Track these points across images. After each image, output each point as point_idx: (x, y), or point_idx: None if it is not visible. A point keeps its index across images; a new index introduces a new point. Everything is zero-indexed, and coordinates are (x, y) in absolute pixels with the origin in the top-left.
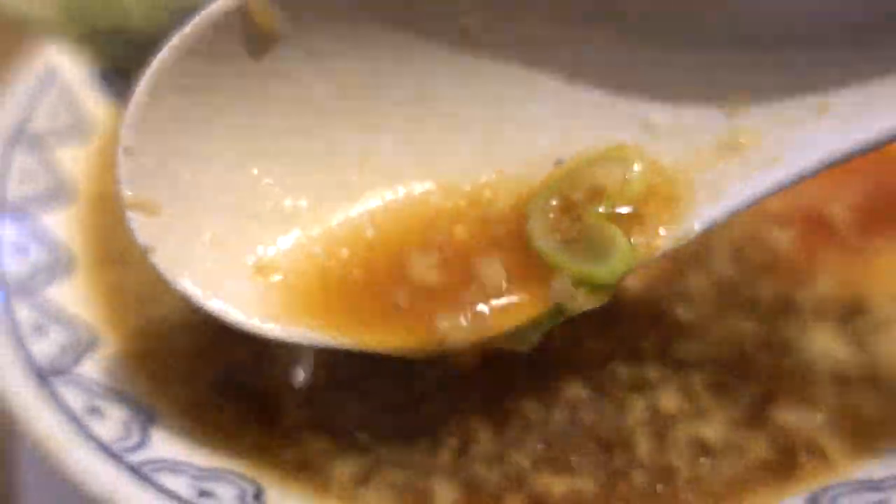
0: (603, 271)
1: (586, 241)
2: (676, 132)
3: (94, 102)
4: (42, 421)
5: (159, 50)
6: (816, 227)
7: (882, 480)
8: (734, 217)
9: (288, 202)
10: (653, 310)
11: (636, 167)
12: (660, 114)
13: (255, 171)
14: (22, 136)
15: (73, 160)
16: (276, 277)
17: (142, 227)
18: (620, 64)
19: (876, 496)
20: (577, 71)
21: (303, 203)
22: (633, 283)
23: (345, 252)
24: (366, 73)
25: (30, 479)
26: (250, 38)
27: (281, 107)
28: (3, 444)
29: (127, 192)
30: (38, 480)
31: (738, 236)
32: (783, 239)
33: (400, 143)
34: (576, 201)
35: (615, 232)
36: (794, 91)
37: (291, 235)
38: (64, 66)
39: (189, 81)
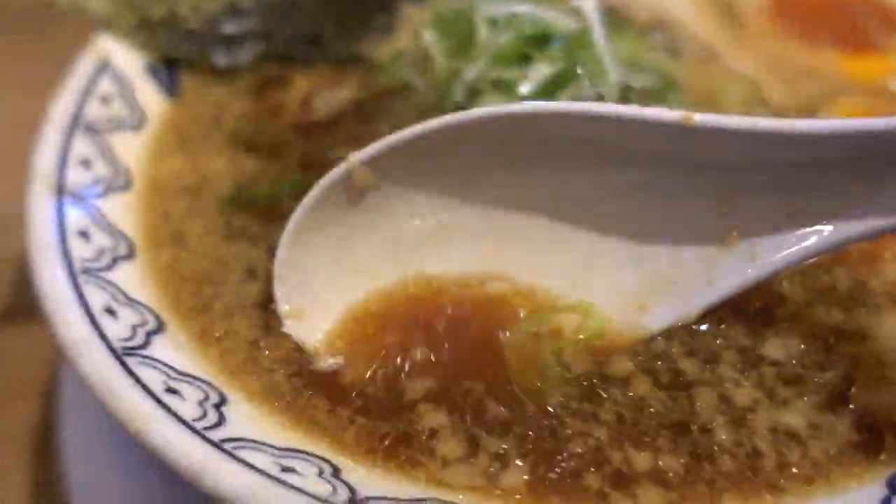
0: None
1: None
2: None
3: (146, 92)
4: (125, 398)
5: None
6: None
7: None
8: None
9: None
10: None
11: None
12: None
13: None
14: (79, 123)
15: (127, 147)
16: None
17: (292, 328)
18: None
19: None
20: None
21: None
22: None
23: None
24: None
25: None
26: (353, 191)
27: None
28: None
29: (284, 306)
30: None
31: None
32: None
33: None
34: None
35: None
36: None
37: None
38: (117, 57)
39: (314, 225)
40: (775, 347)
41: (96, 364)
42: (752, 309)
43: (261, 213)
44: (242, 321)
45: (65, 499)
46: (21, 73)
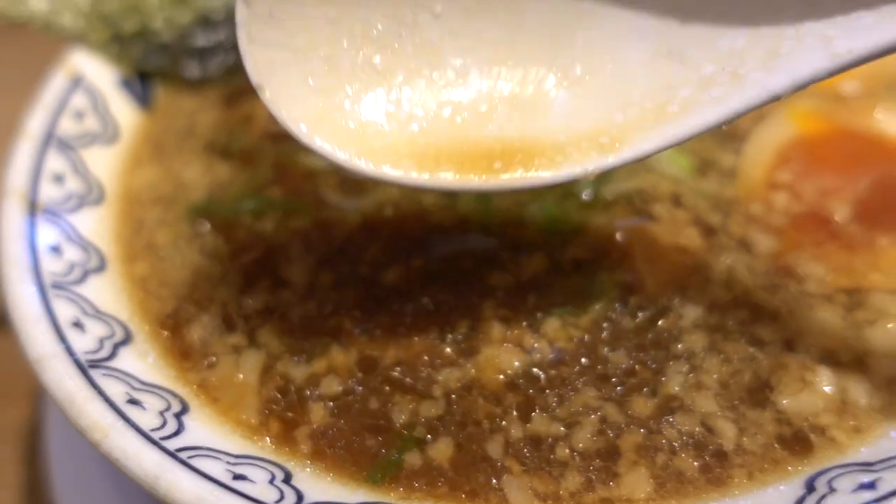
0: None
1: None
2: None
3: (119, 105)
4: (86, 411)
5: (180, 53)
6: (815, 220)
7: (873, 463)
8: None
9: (377, 59)
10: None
11: None
12: None
13: (349, 34)
14: (52, 139)
15: (100, 161)
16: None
17: (254, 66)
18: None
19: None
20: None
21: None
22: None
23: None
24: None
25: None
26: None
27: None
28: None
29: (243, 33)
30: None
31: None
32: (780, 234)
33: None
34: None
35: None
36: None
37: (379, 92)
38: (90, 72)
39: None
40: (711, 358)
41: (60, 378)
42: (683, 311)
43: (230, 223)
44: (210, 331)
45: (52, 498)
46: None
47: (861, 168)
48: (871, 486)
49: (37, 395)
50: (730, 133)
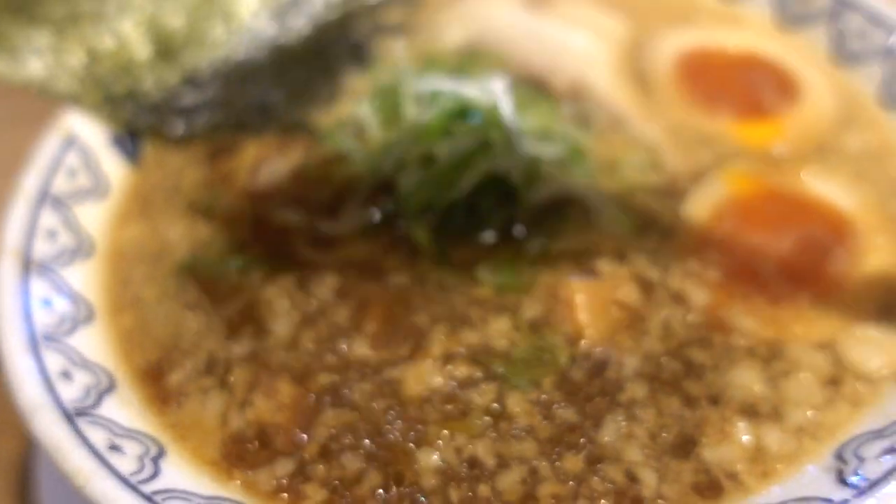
0: None
1: None
2: None
3: (110, 162)
4: (71, 458)
5: (168, 112)
6: (745, 275)
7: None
8: None
9: None
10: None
11: None
12: None
13: None
14: (46, 197)
15: (91, 216)
16: None
17: None
18: None
19: None
20: None
21: None
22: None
23: None
24: None
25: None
26: None
27: None
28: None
29: None
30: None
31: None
32: (714, 289)
33: None
34: None
35: None
36: None
37: None
38: (83, 131)
39: None
40: (644, 408)
41: (47, 428)
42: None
43: (208, 282)
44: (189, 382)
45: None
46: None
47: (787, 227)
48: None
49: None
50: (670, 193)
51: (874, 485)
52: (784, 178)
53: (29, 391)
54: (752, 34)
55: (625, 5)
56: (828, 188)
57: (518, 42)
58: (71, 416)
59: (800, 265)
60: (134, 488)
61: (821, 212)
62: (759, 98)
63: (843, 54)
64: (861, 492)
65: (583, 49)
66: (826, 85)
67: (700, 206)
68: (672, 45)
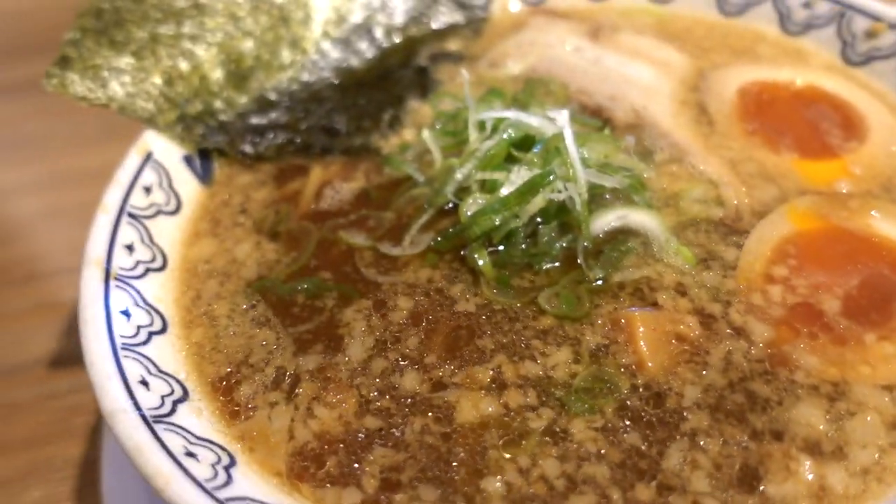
0: None
1: None
2: None
3: (182, 180)
4: (152, 461)
5: (237, 132)
6: (808, 313)
7: None
8: None
9: None
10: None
11: None
12: None
13: None
14: (124, 212)
15: (165, 231)
16: None
17: None
18: None
19: None
20: None
21: None
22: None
23: None
24: None
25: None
26: None
27: None
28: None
29: None
30: None
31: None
32: (776, 324)
33: None
34: None
35: None
36: None
37: None
38: (158, 149)
39: None
40: (707, 438)
41: (130, 431)
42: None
43: (279, 301)
44: (257, 395)
45: None
46: (78, 128)
47: (853, 266)
48: None
49: (93, 433)
50: (732, 228)
51: None
52: (850, 216)
53: (112, 395)
54: (816, 69)
55: (688, 38)
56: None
57: (579, 71)
58: (149, 422)
59: (866, 305)
60: (210, 494)
61: (888, 251)
62: (823, 134)
63: None
64: None
65: (645, 81)
66: (893, 122)
67: (764, 242)
68: (735, 78)
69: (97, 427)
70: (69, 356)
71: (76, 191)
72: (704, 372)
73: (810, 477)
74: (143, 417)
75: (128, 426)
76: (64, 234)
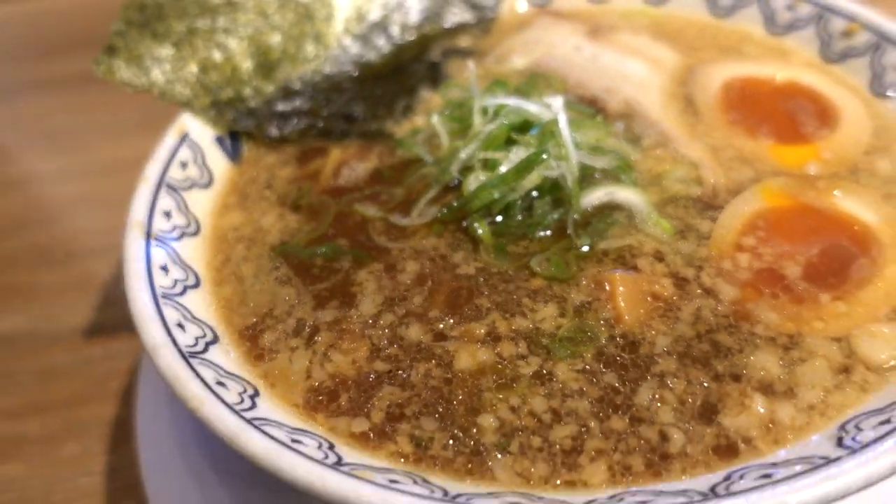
0: None
1: None
2: None
3: (214, 157)
4: (188, 387)
5: (264, 117)
6: (771, 277)
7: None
8: None
9: None
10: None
11: None
12: None
13: None
14: (162, 183)
15: (198, 202)
16: None
17: None
18: None
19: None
20: None
21: None
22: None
23: None
24: None
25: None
26: None
27: None
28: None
29: None
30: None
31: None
32: (742, 286)
33: None
34: None
35: None
36: None
37: None
38: (194, 131)
39: None
40: (674, 379)
41: (169, 363)
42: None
43: (300, 264)
44: (279, 342)
45: (137, 481)
46: (112, 121)
47: (816, 237)
48: (770, 476)
49: (125, 396)
50: (709, 205)
51: (866, 446)
52: (817, 195)
53: (153, 334)
54: (797, 65)
55: (680, 38)
56: (857, 206)
57: (578, 67)
58: (185, 356)
59: (825, 270)
60: (238, 414)
61: (848, 226)
62: (799, 124)
63: (882, 86)
64: (853, 451)
65: (638, 76)
66: (863, 114)
67: (736, 217)
68: (720, 73)
69: (129, 390)
70: (103, 327)
71: (109, 179)
72: (675, 325)
73: (762, 411)
74: (181, 352)
75: (167, 359)
76: (98, 218)
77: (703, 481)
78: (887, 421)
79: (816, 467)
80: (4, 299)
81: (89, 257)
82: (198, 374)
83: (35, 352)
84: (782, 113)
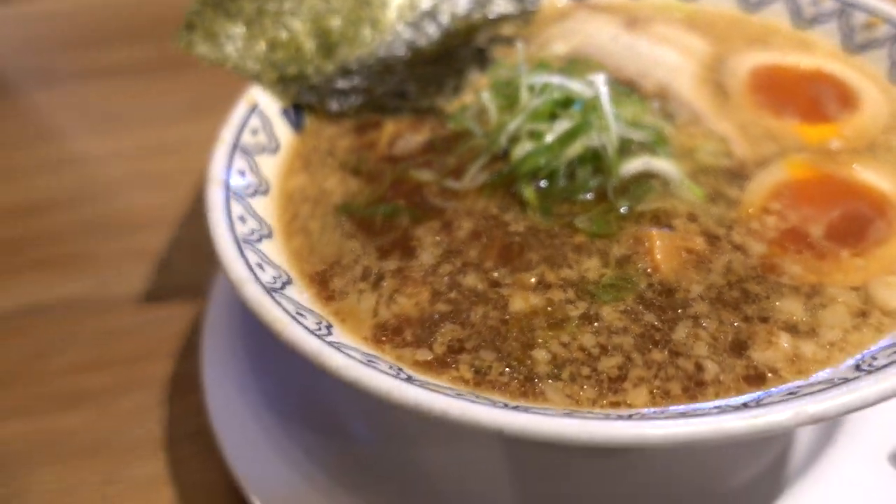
0: None
1: None
2: None
3: (280, 127)
4: (272, 312)
5: (325, 93)
6: (796, 236)
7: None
8: None
9: None
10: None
11: None
12: None
13: None
14: (237, 146)
15: (267, 166)
16: None
17: None
18: None
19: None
20: None
21: None
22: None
23: None
24: None
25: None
26: None
27: None
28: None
29: None
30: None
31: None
32: (769, 243)
33: None
34: None
35: None
36: None
37: None
38: (263, 102)
39: None
40: (707, 320)
41: (253, 293)
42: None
43: (362, 221)
44: (348, 286)
45: (196, 430)
46: (162, 106)
47: (836, 203)
48: (794, 393)
49: (177, 356)
50: (738, 175)
51: (880, 369)
52: (838, 167)
53: (238, 270)
54: (821, 55)
55: (710, 29)
56: (874, 177)
57: (615, 53)
58: (268, 290)
59: (844, 231)
60: (317, 336)
61: (866, 193)
62: (821, 106)
63: None
64: (869, 373)
65: (671, 62)
66: (882, 98)
67: (763, 185)
68: (748, 61)
69: (182, 350)
70: (156, 294)
71: (157, 160)
72: (707, 275)
73: (787, 347)
74: (263, 286)
75: (252, 290)
76: (148, 195)
77: (735, 400)
78: None
79: (836, 385)
80: (63, 268)
81: (141, 230)
82: (280, 304)
83: (94, 315)
84: (806, 96)
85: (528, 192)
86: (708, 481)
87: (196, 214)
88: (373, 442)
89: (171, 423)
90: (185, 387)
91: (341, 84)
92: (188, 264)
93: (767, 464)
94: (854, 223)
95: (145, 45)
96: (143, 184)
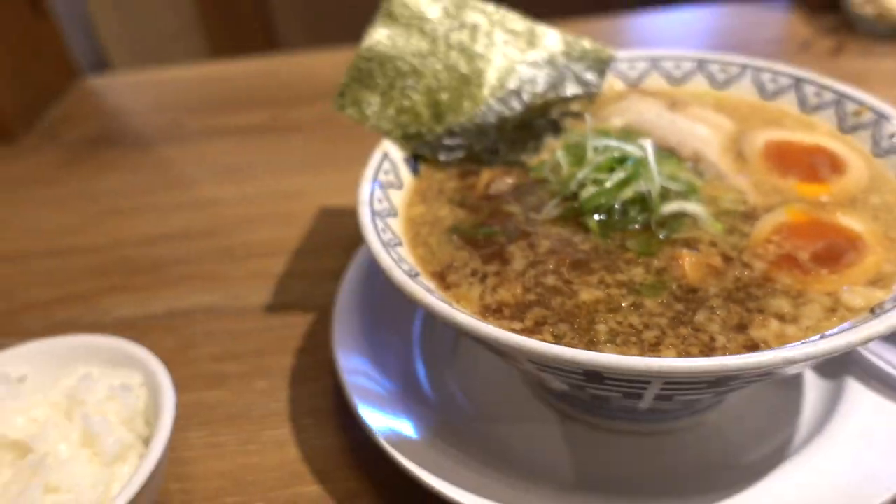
0: None
1: None
2: None
3: (403, 171)
4: (413, 288)
5: (436, 147)
6: (789, 259)
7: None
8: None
9: None
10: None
11: None
12: None
13: None
14: (376, 181)
15: (395, 197)
16: None
17: None
18: None
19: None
20: None
21: None
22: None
23: None
24: None
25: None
26: None
27: None
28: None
29: None
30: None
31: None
32: (768, 263)
33: None
34: None
35: None
36: None
37: None
38: (391, 151)
39: None
40: (720, 310)
41: (400, 276)
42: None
43: (468, 238)
44: (460, 280)
45: (316, 407)
46: (276, 161)
47: (820, 238)
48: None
49: (300, 353)
50: (750, 216)
51: (838, 333)
52: (825, 214)
53: (389, 262)
54: (820, 134)
55: (735, 112)
56: (852, 221)
57: (659, 127)
58: (409, 276)
59: (825, 257)
60: (431, 291)
61: (844, 232)
62: (817, 171)
63: (880, 149)
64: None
65: (703, 135)
66: (864, 167)
67: (768, 223)
68: (763, 136)
69: (301, 349)
70: (279, 305)
71: (276, 203)
72: (722, 282)
73: (776, 328)
74: (405, 272)
75: (398, 274)
76: (265, 231)
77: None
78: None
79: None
80: (201, 282)
81: (265, 257)
82: (420, 284)
83: (226, 319)
84: (806, 163)
85: (592, 223)
86: (731, 457)
87: (311, 246)
88: (470, 417)
89: (294, 401)
90: (302, 375)
91: (448, 141)
92: (304, 285)
93: (780, 441)
94: (833, 251)
95: (258, 111)
96: (265, 221)
